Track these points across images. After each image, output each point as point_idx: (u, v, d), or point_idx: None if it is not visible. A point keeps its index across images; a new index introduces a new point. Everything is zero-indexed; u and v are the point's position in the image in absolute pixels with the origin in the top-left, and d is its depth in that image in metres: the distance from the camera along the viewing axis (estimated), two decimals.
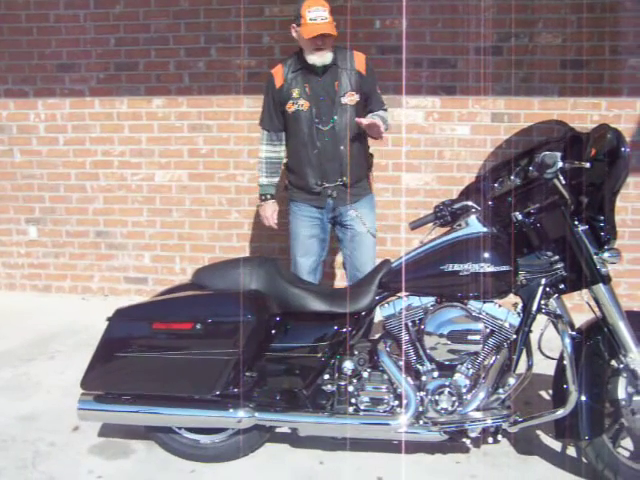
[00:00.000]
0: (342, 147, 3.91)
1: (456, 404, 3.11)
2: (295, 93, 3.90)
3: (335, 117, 3.89)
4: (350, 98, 3.90)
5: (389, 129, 4.14)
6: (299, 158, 3.99)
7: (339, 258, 5.31)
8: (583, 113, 5.07)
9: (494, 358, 3.12)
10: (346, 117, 3.89)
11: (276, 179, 4.18)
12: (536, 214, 3.07)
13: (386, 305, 3.22)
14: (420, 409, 3.14)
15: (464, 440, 3.13)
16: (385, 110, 4.10)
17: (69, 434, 3.60)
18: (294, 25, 3.86)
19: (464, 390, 3.12)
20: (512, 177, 3.17)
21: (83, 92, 5.66)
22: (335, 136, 3.91)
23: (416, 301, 3.16)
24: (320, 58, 3.82)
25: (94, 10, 5.52)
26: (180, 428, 3.35)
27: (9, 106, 5.79)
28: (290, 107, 3.92)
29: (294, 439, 3.40)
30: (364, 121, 3.80)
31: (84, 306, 5.74)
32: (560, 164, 2.88)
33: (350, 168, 3.93)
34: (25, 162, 5.85)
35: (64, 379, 4.19)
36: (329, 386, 3.23)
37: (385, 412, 3.20)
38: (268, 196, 4.16)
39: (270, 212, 4.17)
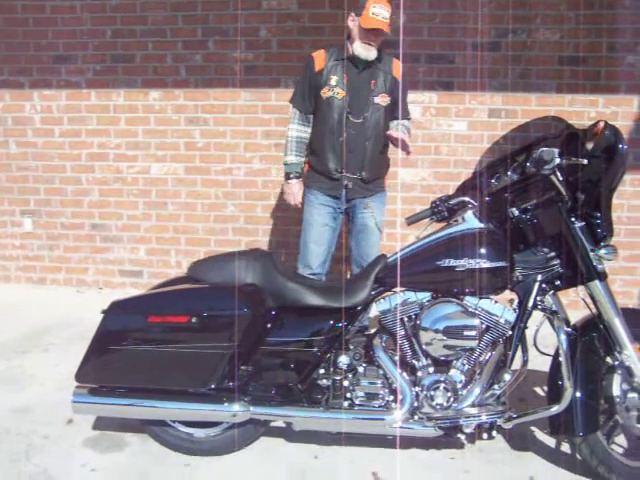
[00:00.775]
0: (367, 143, 4.04)
1: (451, 400, 3.11)
2: (333, 80, 4.01)
3: (367, 114, 4.02)
4: (382, 99, 4.05)
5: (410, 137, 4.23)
6: (324, 142, 4.08)
7: (344, 252, 5.32)
8: (580, 110, 5.08)
9: (489, 354, 3.12)
10: (376, 116, 4.04)
11: (303, 159, 4.23)
12: (533, 210, 3.06)
13: (382, 300, 3.21)
14: (415, 404, 3.14)
15: (459, 436, 3.13)
16: (409, 119, 4.27)
17: (63, 427, 3.59)
18: (353, 14, 3.98)
19: (459, 386, 3.12)
20: (509, 173, 3.17)
21: (79, 84, 5.64)
22: (363, 131, 4.02)
23: (412, 296, 3.16)
24: (366, 51, 3.94)
25: (90, 1, 5.50)
26: (175, 421, 3.34)
27: (5, 97, 5.77)
28: (325, 92, 4.03)
29: (289, 433, 3.40)
30: (394, 134, 3.91)
31: (79, 299, 5.73)
32: (557, 160, 2.89)
33: (370, 165, 4.07)
34: (20, 154, 5.83)
35: (58, 372, 4.18)
36: (324, 381, 3.22)
37: (380, 407, 3.19)
38: (296, 174, 4.21)
39: (297, 189, 4.22)
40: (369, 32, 3.88)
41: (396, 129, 4.02)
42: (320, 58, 4.06)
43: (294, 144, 4.18)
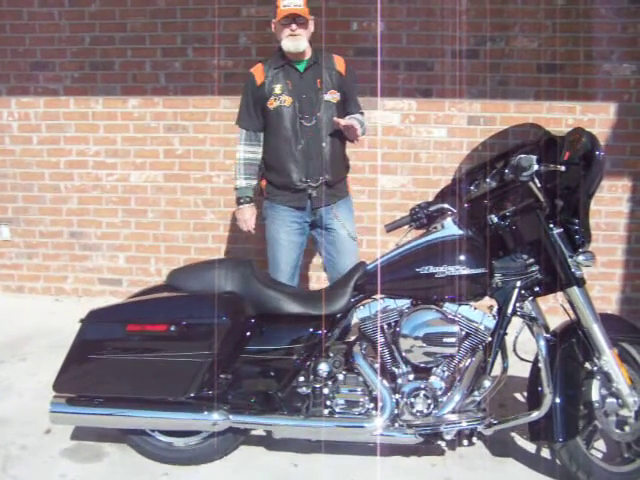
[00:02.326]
0: (324, 144, 3.90)
1: (431, 407, 3.11)
2: (277, 89, 3.87)
3: (318, 114, 3.87)
4: (332, 96, 3.91)
5: (366, 132, 4.17)
6: (281, 155, 3.92)
7: (315, 260, 5.31)
8: (558, 117, 5.11)
9: (469, 361, 3.13)
10: (329, 114, 3.89)
11: (254, 182, 4.06)
12: (511, 217, 3.08)
13: (361, 307, 3.21)
14: (395, 412, 3.13)
15: (439, 443, 3.13)
16: (362, 114, 4.11)
17: (41, 437, 3.56)
18: (274, 20, 3.87)
19: (439, 393, 3.12)
20: (488, 180, 3.19)
21: (58, 91, 5.60)
22: (318, 133, 3.89)
23: (391, 303, 3.16)
24: (294, 43, 3.79)
25: (69, 8, 5.46)
26: (154, 431, 3.32)
27: None
28: (272, 103, 3.87)
29: (269, 441, 3.39)
30: (342, 122, 3.81)
31: (57, 307, 5.68)
32: (536, 167, 2.90)
33: (332, 166, 3.93)
34: None
35: (36, 381, 4.14)
36: (304, 388, 3.21)
37: (360, 415, 3.19)
38: (247, 199, 4.04)
39: (249, 215, 4.07)
40: (287, 24, 3.76)
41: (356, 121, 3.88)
42: (259, 71, 3.92)
43: (242, 167, 4.02)
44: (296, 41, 3.80)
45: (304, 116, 3.87)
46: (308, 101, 3.88)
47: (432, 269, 3.05)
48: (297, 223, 4.00)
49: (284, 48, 3.83)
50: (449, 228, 3.13)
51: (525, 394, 3.31)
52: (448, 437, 3.10)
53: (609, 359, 2.97)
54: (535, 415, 3.01)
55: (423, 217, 3.22)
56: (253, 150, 4.02)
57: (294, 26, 3.77)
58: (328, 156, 3.92)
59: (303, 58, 3.90)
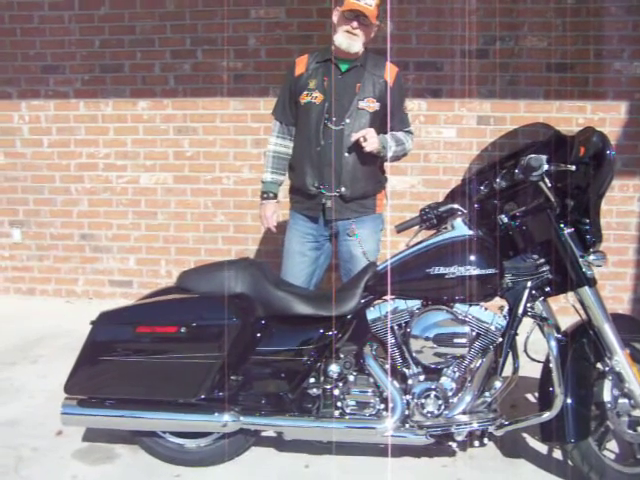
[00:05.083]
0: (347, 154, 3.64)
1: (442, 407, 3.10)
2: (312, 84, 3.67)
3: (348, 120, 3.63)
4: (369, 104, 3.66)
5: (406, 154, 3.88)
6: (301, 155, 3.74)
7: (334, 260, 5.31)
8: (568, 116, 5.09)
9: (480, 361, 3.11)
10: (360, 123, 3.63)
11: (281, 177, 3.89)
12: (522, 217, 3.07)
13: (372, 308, 3.19)
14: (406, 413, 3.12)
15: (450, 443, 3.12)
16: (408, 132, 3.85)
17: (52, 439, 3.56)
18: (338, 7, 3.61)
19: (450, 393, 3.11)
20: (498, 180, 3.16)
21: (68, 94, 5.63)
22: (343, 140, 3.63)
23: (402, 304, 3.14)
24: (348, 41, 3.56)
25: (79, 11, 5.49)
26: (165, 432, 3.32)
27: None
28: (303, 98, 3.68)
29: (280, 443, 3.39)
30: (354, 135, 3.57)
31: (68, 309, 5.70)
32: (546, 167, 2.89)
33: (352, 180, 3.67)
34: (9, 164, 5.81)
35: (47, 383, 4.14)
36: (315, 390, 3.20)
37: (371, 416, 3.17)
38: (270, 195, 3.88)
39: (270, 213, 3.88)
40: (350, 19, 3.52)
41: (383, 138, 3.65)
42: (302, 62, 3.73)
43: (270, 160, 3.85)
44: (351, 40, 3.57)
45: (331, 118, 3.63)
46: (341, 104, 3.63)
47: (442, 270, 3.03)
48: (312, 235, 3.82)
49: (336, 42, 3.59)
50: (459, 228, 3.12)
51: (536, 395, 3.30)
52: (459, 438, 3.08)
53: (621, 359, 2.95)
54: (546, 416, 2.99)
55: (433, 218, 3.20)
56: (285, 144, 3.86)
57: (355, 24, 3.55)
58: (349, 167, 3.65)
59: (351, 58, 3.67)
